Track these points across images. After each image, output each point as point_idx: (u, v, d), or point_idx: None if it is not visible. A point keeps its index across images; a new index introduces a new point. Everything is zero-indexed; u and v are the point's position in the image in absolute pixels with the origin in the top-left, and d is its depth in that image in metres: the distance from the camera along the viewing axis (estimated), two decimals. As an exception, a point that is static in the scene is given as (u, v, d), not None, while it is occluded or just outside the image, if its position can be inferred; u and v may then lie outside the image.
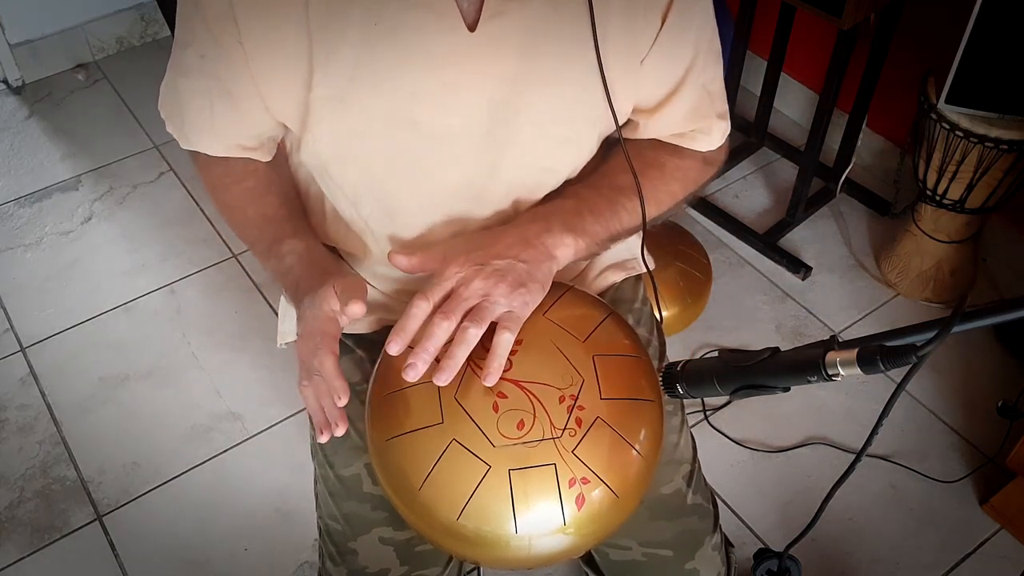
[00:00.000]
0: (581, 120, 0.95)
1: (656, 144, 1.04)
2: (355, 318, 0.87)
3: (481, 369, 0.84)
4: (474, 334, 0.82)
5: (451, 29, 0.85)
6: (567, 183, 1.01)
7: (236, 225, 1.04)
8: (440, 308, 0.84)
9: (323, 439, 0.89)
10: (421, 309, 0.84)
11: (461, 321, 0.83)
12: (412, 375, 0.81)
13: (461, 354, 0.82)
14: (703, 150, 1.04)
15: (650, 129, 1.02)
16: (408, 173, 0.95)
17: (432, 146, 0.92)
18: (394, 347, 0.83)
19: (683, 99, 0.98)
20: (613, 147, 1.02)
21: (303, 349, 0.90)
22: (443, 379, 0.81)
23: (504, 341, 0.83)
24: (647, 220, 0.99)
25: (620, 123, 0.95)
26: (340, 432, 0.88)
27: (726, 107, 1.03)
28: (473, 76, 0.88)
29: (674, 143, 1.04)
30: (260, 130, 0.98)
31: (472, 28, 0.86)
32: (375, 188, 0.98)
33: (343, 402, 0.86)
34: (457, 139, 0.92)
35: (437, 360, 0.82)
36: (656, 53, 0.93)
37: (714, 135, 1.03)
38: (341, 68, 0.87)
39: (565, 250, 0.92)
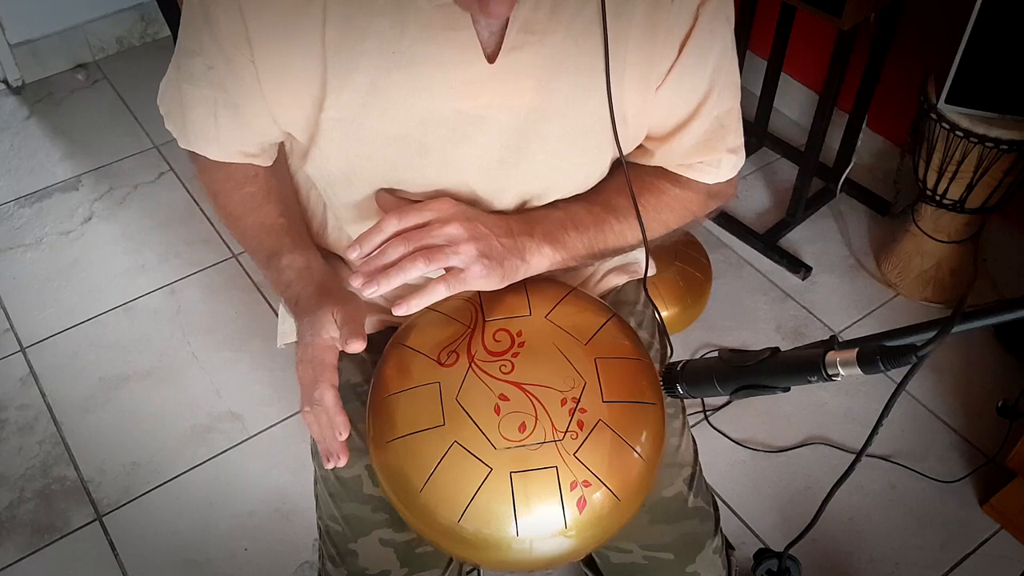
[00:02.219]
0: (594, 148, 0.95)
1: (659, 171, 1.02)
2: (355, 352, 0.87)
3: (483, 371, 0.85)
4: (419, 267, 0.84)
5: (471, 60, 0.85)
6: None
7: (236, 233, 1.03)
8: (405, 234, 0.86)
9: (328, 466, 0.90)
10: (390, 225, 0.86)
11: (416, 251, 0.85)
12: (356, 283, 0.84)
13: (396, 279, 0.84)
14: (708, 182, 1.02)
15: (658, 157, 1.01)
16: (415, 194, 0.95)
17: (442, 171, 0.92)
18: (353, 253, 0.86)
19: (694, 130, 0.97)
20: (615, 167, 1.02)
21: (304, 375, 0.90)
22: (368, 291, 0.83)
23: (436, 290, 0.85)
24: (633, 245, 1.00)
25: (631, 148, 0.95)
26: (342, 463, 0.89)
27: (740, 142, 1.02)
28: (489, 107, 0.88)
29: (679, 172, 1.02)
30: (264, 139, 0.98)
31: (491, 60, 0.85)
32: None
33: (343, 437, 0.87)
34: (469, 166, 0.92)
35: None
36: (672, 82, 0.92)
37: (722, 169, 1.01)
38: (354, 93, 0.86)
39: (540, 259, 0.92)
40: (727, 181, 1.04)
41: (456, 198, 0.95)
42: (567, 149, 0.93)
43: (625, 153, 0.96)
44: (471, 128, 0.89)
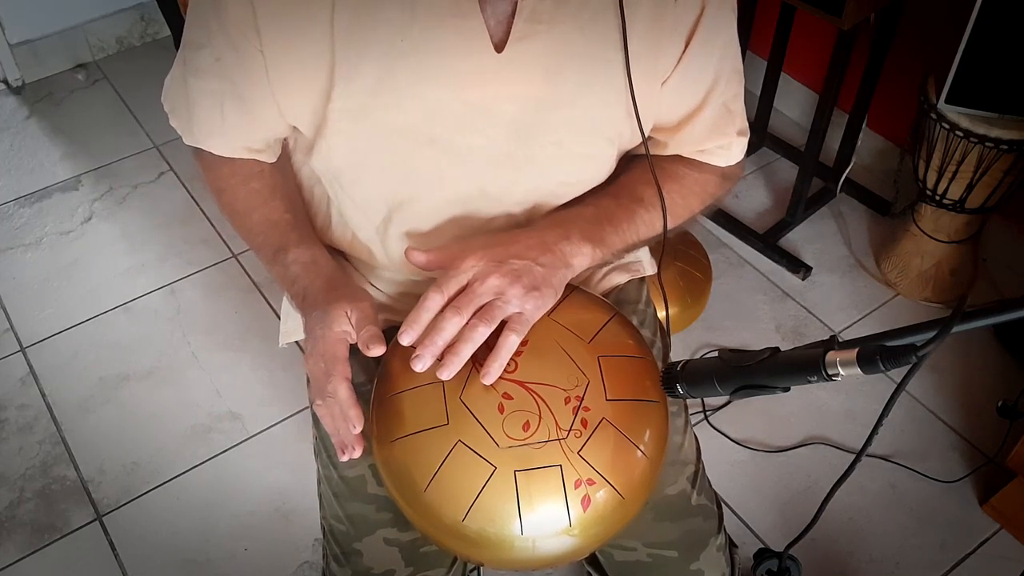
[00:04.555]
0: (602, 139, 0.95)
1: (676, 157, 1.04)
2: (376, 356, 0.87)
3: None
4: (482, 332, 0.83)
5: (478, 49, 0.85)
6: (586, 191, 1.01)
7: (241, 229, 1.03)
8: (453, 303, 0.84)
9: (343, 459, 0.90)
10: (435, 302, 0.84)
11: (472, 318, 0.83)
12: (419, 366, 0.82)
13: (466, 351, 0.82)
14: (722, 165, 1.04)
15: (672, 147, 1.02)
16: (423, 185, 0.95)
17: (450, 162, 0.92)
18: (406, 338, 0.83)
19: (704, 118, 0.98)
20: (634, 158, 1.02)
21: (315, 369, 0.89)
22: (446, 374, 0.81)
23: (509, 343, 0.83)
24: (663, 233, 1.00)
25: (639, 141, 0.95)
26: (357, 454, 0.89)
27: (746, 124, 1.03)
28: (497, 97, 0.88)
29: (693, 158, 1.04)
30: (269, 133, 0.98)
31: (499, 49, 0.86)
32: (387, 198, 0.97)
33: (358, 429, 0.87)
34: (476, 157, 0.92)
35: (441, 357, 0.82)
36: (679, 74, 0.93)
37: (733, 151, 1.03)
38: (363, 83, 0.86)
39: (582, 259, 0.92)
40: (737, 163, 1.06)
41: (465, 195, 0.94)
42: (575, 141, 0.93)
43: (636, 146, 0.96)
44: (479, 119, 0.89)
